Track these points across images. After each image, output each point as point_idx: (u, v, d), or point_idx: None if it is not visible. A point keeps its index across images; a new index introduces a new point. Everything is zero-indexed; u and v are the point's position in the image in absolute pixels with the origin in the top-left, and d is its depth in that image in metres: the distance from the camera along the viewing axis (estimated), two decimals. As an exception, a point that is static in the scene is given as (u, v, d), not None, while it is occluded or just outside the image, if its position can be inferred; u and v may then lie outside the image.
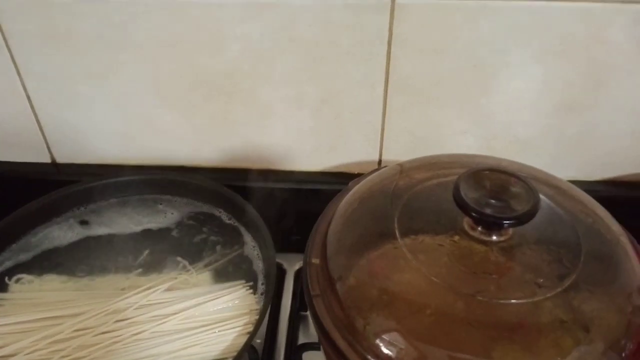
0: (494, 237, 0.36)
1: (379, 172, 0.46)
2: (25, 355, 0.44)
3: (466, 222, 0.37)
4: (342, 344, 0.34)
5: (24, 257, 0.53)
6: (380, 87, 0.54)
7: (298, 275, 0.60)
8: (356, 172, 0.61)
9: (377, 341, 0.34)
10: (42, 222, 0.57)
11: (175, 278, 0.50)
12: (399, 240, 0.37)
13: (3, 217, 0.55)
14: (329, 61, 0.53)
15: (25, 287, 0.51)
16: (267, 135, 0.59)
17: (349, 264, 0.38)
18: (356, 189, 0.44)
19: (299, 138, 0.59)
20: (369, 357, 0.34)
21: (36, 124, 0.61)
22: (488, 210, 0.34)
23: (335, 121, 0.57)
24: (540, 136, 0.57)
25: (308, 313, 0.55)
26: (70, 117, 0.61)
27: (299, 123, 0.58)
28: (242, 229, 0.55)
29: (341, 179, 0.61)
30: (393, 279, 0.36)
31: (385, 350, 0.34)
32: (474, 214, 0.34)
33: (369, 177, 0.46)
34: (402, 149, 0.58)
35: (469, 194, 0.35)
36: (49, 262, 0.53)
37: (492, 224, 0.35)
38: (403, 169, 0.46)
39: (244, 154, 0.61)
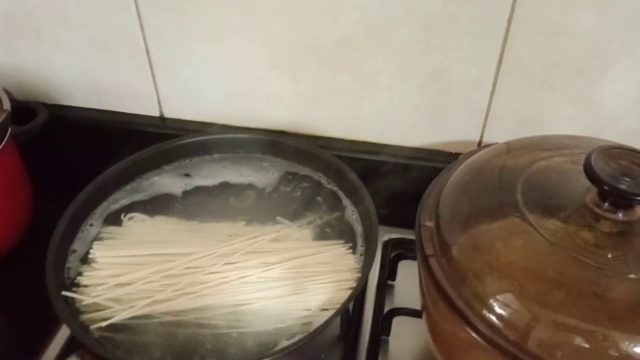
0: (620, 215, 0.36)
1: (492, 148, 0.46)
2: (141, 284, 0.47)
3: (590, 199, 0.37)
4: (459, 302, 0.35)
5: (137, 197, 0.57)
6: (492, 66, 0.54)
7: (386, 246, 0.61)
8: (453, 152, 0.62)
9: (493, 301, 0.35)
10: (153, 168, 0.60)
11: (279, 231, 0.52)
12: (522, 210, 0.37)
13: (111, 163, 0.59)
14: (443, 35, 0.53)
15: (138, 225, 0.54)
16: (369, 107, 0.60)
17: (465, 229, 0.39)
18: (470, 162, 0.45)
19: (401, 112, 0.60)
20: (486, 314, 0.35)
21: (151, 78, 0.65)
22: (621, 185, 0.34)
23: (440, 97, 0.58)
24: (652, 130, 0.55)
25: (394, 283, 0.58)
26: (184, 74, 0.64)
27: (404, 97, 0.59)
28: (341, 194, 0.57)
29: (438, 156, 0.61)
30: (513, 245, 0.36)
31: (499, 311, 0.35)
32: (606, 187, 0.34)
33: (481, 152, 0.46)
34: (505, 131, 0.58)
35: (599, 166, 0.35)
36: (159, 205, 0.56)
37: (622, 199, 0.35)
38: (511, 147, 0.47)
39: (343, 123, 0.63)
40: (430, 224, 0.41)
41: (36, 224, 0.65)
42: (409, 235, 0.60)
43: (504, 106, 0.57)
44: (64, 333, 0.53)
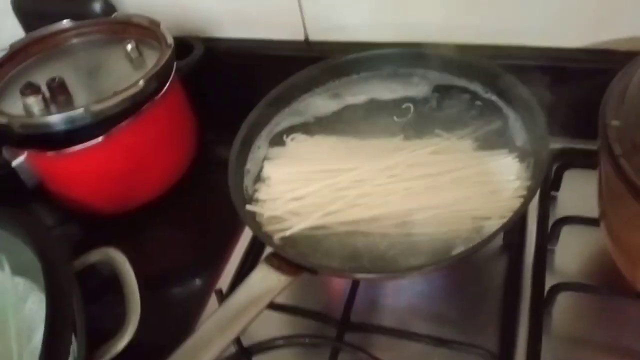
0: None
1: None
2: (313, 198, 0.50)
3: None
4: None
5: (295, 120, 0.60)
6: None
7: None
8: (623, 50, 0.56)
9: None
10: (305, 91, 0.62)
11: (437, 144, 0.52)
12: None
13: (263, 90, 0.61)
14: None
15: (301, 145, 0.57)
16: (527, 10, 0.57)
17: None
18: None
19: (561, 10, 0.55)
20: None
21: (297, 1, 0.65)
22: None
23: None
24: None
25: (557, 194, 0.56)
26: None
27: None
28: (501, 103, 0.55)
29: (606, 57, 0.56)
30: None
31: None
32: None
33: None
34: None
35: None
36: (318, 126, 0.59)
37: None
38: None
39: (498, 30, 0.60)
40: (616, 122, 0.38)
41: (201, 151, 0.71)
42: (573, 144, 0.58)
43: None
44: (241, 246, 0.59)
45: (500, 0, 0.57)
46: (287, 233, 0.48)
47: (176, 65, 0.65)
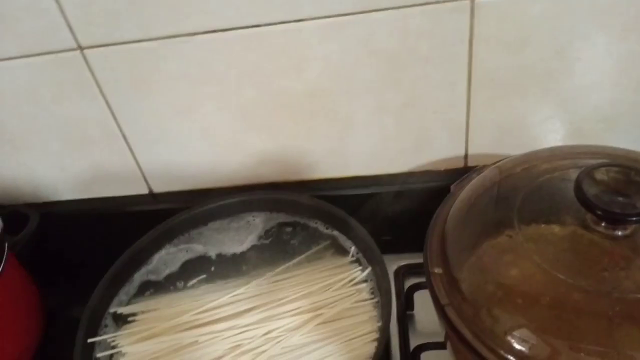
0: (619, 232, 0.37)
1: (482, 175, 0.47)
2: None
3: (589, 217, 0.38)
4: (482, 350, 0.36)
5: (147, 281, 0.58)
6: (462, 85, 0.55)
7: (397, 274, 0.61)
8: (443, 169, 0.62)
9: (509, 338, 0.36)
10: (155, 251, 0.60)
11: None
12: (520, 235, 0.38)
13: (110, 249, 0.59)
14: (409, 68, 0.54)
15: (150, 317, 0.54)
16: (351, 144, 0.61)
17: (471, 266, 0.40)
18: (463, 194, 0.46)
19: (382, 143, 0.61)
20: (507, 356, 0.35)
21: (133, 160, 0.65)
22: (614, 208, 0.35)
23: (418, 123, 0.59)
24: (627, 113, 0.56)
25: (414, 312, 0.58)
26: (163, 150, 0.64)
27: (382, 129, 0.59)
28: (343, 238, 0.57)
29: (428, 177, 0.62)
30: (518, 275, 0.37)
31: (517, 347, 0.35)
32: (599, 212, 0.35)
33: (473, 181, 0.47)
34: (488, 142, 0.59)
35: (590, 191, 0.36)
36: (169, 284, 0.57)
37: (617, 221, 0.35)
38: (503, 169, 0.47)
39: (329, 164, 0.63)
40: (438, 270, 0.41)
41: (50, 324, 0.65)
42: (417, 259, 0.61)
43: (483, 119, 0.58)
44: None
45: (326, 143, 0.61)
46: None
47: (10, 241, 0.60)
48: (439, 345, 0.51)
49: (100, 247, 0.60)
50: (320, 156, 0.62)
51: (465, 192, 0.46)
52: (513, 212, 0.40)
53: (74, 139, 0.63)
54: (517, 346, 0.36)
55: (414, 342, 0.54)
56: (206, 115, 0.60)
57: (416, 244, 0.59)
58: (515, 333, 0.36)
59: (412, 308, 0.58)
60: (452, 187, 0.49)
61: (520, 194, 0.42)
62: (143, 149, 0.64)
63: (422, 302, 0.58)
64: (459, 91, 0.56)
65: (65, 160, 0.65)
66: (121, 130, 0.62)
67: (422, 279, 0.56)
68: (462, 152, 0.61)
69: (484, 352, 0.36)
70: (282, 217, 0.61)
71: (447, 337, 0.45)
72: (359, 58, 0.54)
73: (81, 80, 0.57)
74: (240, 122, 0.60)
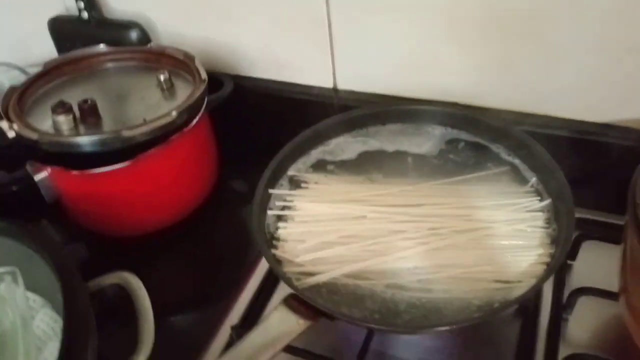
0: None
1: None
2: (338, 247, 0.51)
3: None
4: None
5: (322, 160, 0.61)
6: None
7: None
8: (642, 129, 0.58)
9: None
10: (333, 136, 0.63)
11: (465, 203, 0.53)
12: None
13: (286, 131, 0.62)
14: (650, 7, 0.50)
15: (326, 186, 0.58)
16: (552, 81, 0.59)
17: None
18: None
19: (591, 86, 0.58)
20: None
21: (329, 51, 0.68)
22: None
23: (634, 72, 0.55)
24: None
25: (574, 263, 0.56)
26: (361, 46, 0.66)
27: (595, 71, 0.56)
28: (524, 167, 0.56)
29: (626, 134, 0.58)
30: None
31: None
32: None
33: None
34: None
35: None
36: (343, 168, 0.60)
37: None
38: None
39: (522, 97, 0.62)
40: (646, 202, 0.39)
41: (219, 184, 0.71)
42: (592, 215, 0.59)
43: None
44: (254, 281, 0.59)
45: (527, 72, 0.59)
46: (311, 283, 0.48)
47: (207, 99, 0.66)
48: (606, 294, 0.49)
49: (279, 127, 0.64)
50: (516, 87, 0.61)
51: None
52: None
53: (281, 19, 0.67)
54: None
55: (570, 288, 0.53)
56: (413, 17, 0.60)
57: (595, 202, 0.58)
58: None
59: (574, 258, 0.56)
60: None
61: None
62: (342, 41, 0.66)
63: (587, 255, 0.56)
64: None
65: (269, 37, 0.70)
66: (329, 18, 0.65)
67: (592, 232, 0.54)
68: (674, 116, 0.56)
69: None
70: (464, 135, 0.61)
71: (624, 287, 0.43)
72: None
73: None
74: (445, 30, 0.60)
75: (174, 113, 0.59)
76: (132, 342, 0.45)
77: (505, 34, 0.57)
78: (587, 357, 0.46)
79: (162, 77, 0.66)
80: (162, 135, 0.59)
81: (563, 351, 0.48)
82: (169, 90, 0.66)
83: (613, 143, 0.58)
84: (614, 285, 0.47)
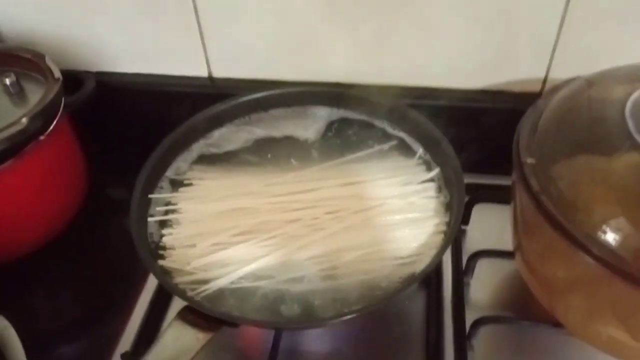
0: None
1: (574, 83, 0.45)
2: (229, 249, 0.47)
3: None
4: (579, 236, 0.35)
5: (204, 153, 0.57)
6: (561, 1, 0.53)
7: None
8: (517, 91, 0.60)
9: (606, 227, 0.35)
10: (212, 128, 0.59)
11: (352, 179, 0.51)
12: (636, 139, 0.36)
13: (160, 127, 0.57)
14: (510, -27, 0.52)
15: (208, 182, 0.54)
16: (429, 52, 0.59)
17: (572, 162, 0.38)
18: (558, 98, 0.44)
19: (464, 55, 0.58)
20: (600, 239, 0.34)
21: (199, 38, 0.63)
22: None
23: (505, 36, 0.56)
24: None
25: (467, 227, 0.57)
26: (233, 31, 0.62)
27: (467, 39, 0.57)
28: (410, 139, 0.56)
29: (501, 97, 0.60)
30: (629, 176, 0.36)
31: (613, 235, 0.34)
32: None
33: (565, 89, 0.45)
34: (572, 68, 0.57)
35: None
36: (226, 161, 0.56)
37: None
38: (594, 81, 0.46)
39: (402, 71, 0.61)
40: (531, 160, 0.40)
41: (91, 193, 0.64)
42: (479, 180, 0.60)
43: (572, 41, 0.55)
44: (143, 299, 0.53)
45: (404, 46, 0.58)
46: (207, 291, 0.43)
47: (64, 101, 0.58)
48: (502, 254, 0.50)
49: (152, 124, 0.59)
50: (395, 61, 0.60)
51: (560, 96, 0.44)
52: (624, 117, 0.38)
53: (145, 6, 0.61)
54: (611, 235, 0.35)
55: (467, 252, 0.53)
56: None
57: (480, 166, 0.59)
58: (611, 222, 0.35)
59: (467, 222, 0.57)
60: (544, 92, 0.47)
61: (626, 101, 0.40)
62: (212, 26, 0.61)
63: (478, 218, 0.57)
64: (556, 6, 0.53)
65: (133, 27, 0.63)
66: (194, 3, 0.60)
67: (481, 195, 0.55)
68: (542, 75, 0.59)
69: (581, 238, 0.35)
70: (348, 114, 0.59)
71: (518, 245, 0.44)
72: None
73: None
74: (321, 9, 0.58)
75: (25, 120, 0.51)
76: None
77: (382, 8, 0.56)
78: (493, 318, 0.47)
79: (7, 81, 0.57)
80: (13, 147, 0.51)
81: (470, 317, 0.48)
82: (17, 94, 0.57)
83: (490, 107, 0.60)
84: (508, 245, 0.48)
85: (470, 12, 0.55)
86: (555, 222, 0.36)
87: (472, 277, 0.52)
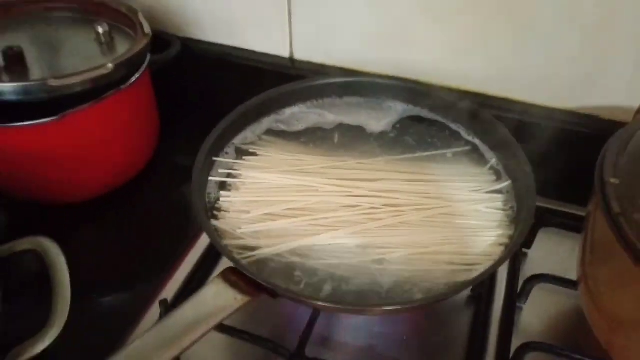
0: None
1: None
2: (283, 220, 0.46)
3: None
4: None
5: (271, 128, 0.57)
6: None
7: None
8: (606, 118, 0.57)
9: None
10: (285, 105, 0.59)
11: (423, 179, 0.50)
12: None
13: (234, 99, 0.57)
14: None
15: (273, 153, 0.53)
16: (521, 59, 0.56)
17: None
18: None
19: (556, 67, 0.55)
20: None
21: (287, 15, 0.63)
22: None
23: (605, 51, 0.53)
24: None
25: (529, 251, 0.54)
26: (322, 14, 0.61)
27: (563, 48, 0.54)
28: (484, 147, 0.54)
29: (589, 122, 0.57)
30: None
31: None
32: None
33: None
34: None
35: None
36: (294, 138, 0.56)
37: None
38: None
39: (488, 77, 0.59)
40: (615, 180, 0.37)
41: (157, 153, 0.66)
42: (547, 204, 0.57)
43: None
44: (192, 255, 0.54)
45: (496, 44, 0.56)
46: (253, 257, 0.43)
47: (150, 58, 0.60)
48: (561, 282, 0.47)
49: (226, 97, 0.59)
50: (485, 64, 0.58)
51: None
52: None
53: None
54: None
55: (524, 277, 0.50)
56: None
57: (543, 188, 0.56)
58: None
59: (529, 246, 0.54)
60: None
61: None
62: (301, 6, 0.62)
63: (541, 243, 0.54)
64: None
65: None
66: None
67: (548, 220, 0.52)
68: (635, 104, 0.55)
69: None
70: (424, 113, 0.58)
71: (583, 275, 0.41)
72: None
73: None
74: (418, 4, 0.56)
75: (110, 65, 0.53)
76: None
77: (479, 6, 0.54)
78: (540, 345, 0.44)
79: (100, 30, 0.59)
80: (95, 90, 0.53)
81: (516, 341, 0.45)
82: (107, 44, 0.59)
83: (574, 131, 0.56)
84: (569, 274, 0.45)
85: (574, 17, 0.52)
86: (634, 248, 0.33)
87: (525, 301, 0.49)
